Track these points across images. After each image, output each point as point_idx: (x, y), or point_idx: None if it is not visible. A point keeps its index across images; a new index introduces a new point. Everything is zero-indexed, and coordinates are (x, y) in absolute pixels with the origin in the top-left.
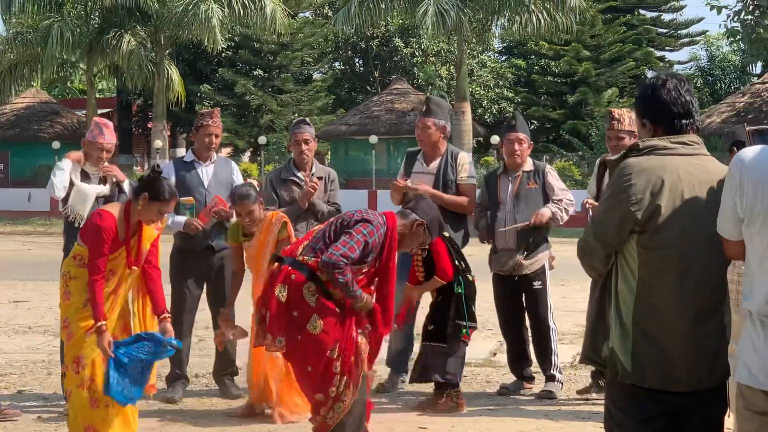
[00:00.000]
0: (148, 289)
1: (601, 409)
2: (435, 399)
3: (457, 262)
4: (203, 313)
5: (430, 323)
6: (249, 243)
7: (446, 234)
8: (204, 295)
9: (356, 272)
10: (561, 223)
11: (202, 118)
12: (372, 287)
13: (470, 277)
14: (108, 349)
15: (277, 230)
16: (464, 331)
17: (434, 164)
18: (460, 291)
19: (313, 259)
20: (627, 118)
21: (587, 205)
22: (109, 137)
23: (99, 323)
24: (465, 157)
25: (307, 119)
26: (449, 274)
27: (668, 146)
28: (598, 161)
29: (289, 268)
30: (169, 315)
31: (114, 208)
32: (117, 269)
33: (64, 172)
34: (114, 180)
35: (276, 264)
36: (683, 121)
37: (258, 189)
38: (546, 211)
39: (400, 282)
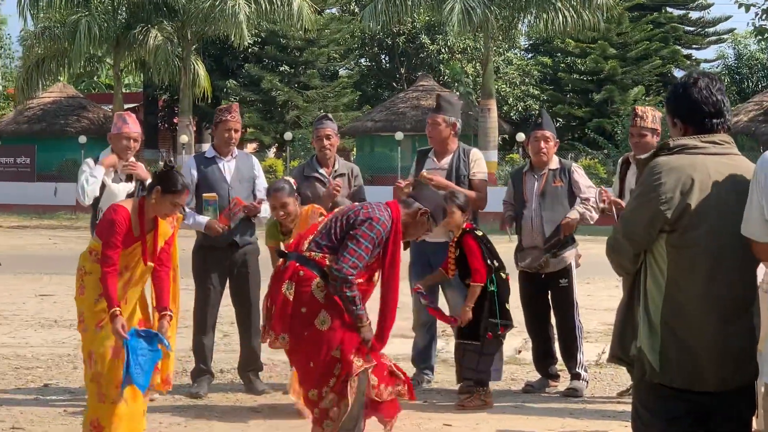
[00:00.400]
0: (154, 285)
1: (626, 408)
2: (465, 396)
3: (489, 261)
4: (227, 309)
5: None
6: (288, 240)
7: (479, 233)
8: (227, 291)
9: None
10: (591, 223)
11: (221, 113)
12: (374, 280)
13: (503, 275)
14: (121, 332)
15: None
16: (493, 329)
17: (446, 160)
18: (492, 289)
19: (320, 255)
20: (650, 115)
21: (603, 195)
22: (133, 126)
23: (112, 309)
24: (477, 153)
25: (330, 115)
26: (483, 275)
27: (699, 145)
28: (620, 159)
29: (297, 264)
30: (170, 313)
31: (128, 203)
32: (131, 265)
33: (97, 180)
34: (136, 178)
35: (281, 260)
36: (714, 121)
37: (293, 185)
38: (572, 219)
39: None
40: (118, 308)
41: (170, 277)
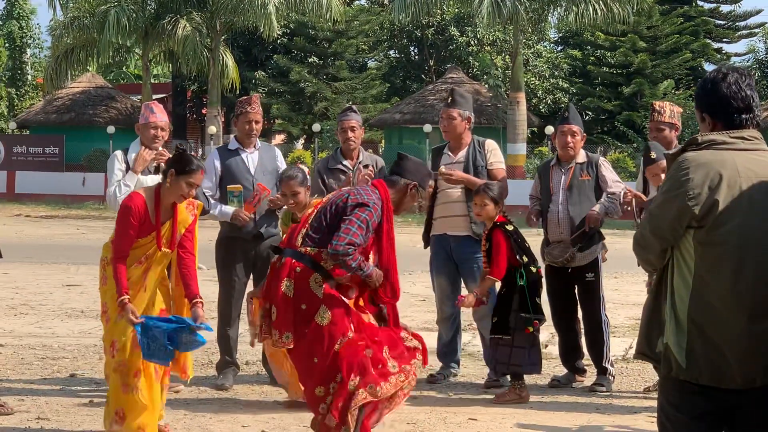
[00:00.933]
0: (181, 274)
1: (653, 403)
2: (504, 390)
3: (518, 257)
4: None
5: (494, 315)
6: None
7: (510, 227)
8: (251, 282)
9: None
10: (617, 217)
11: (242, 105)
12: (370, 261)
13: (534, 269)
14: (133, 318)
15: None
16: (527, 323)
17: (462, 153)
18: (522, 283)
19: (316, 249)
20: (668, 110)
21: (627, 197)
22: (160, 115)
23: (121, 297)
24: (492, 144)
25: (354, 106)
26: (501, 271)
27: (727, 141)
28: (642, 157)
29: (293, 260)
30: (201, 300)
31: (144, 191)
32: (150, 252)
33: (130, 189)
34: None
35: (277, 257)
36: (743, 116)
37: (307, 175)
38: (596, 214)
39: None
40: (126, 296)
41: (194, 267)
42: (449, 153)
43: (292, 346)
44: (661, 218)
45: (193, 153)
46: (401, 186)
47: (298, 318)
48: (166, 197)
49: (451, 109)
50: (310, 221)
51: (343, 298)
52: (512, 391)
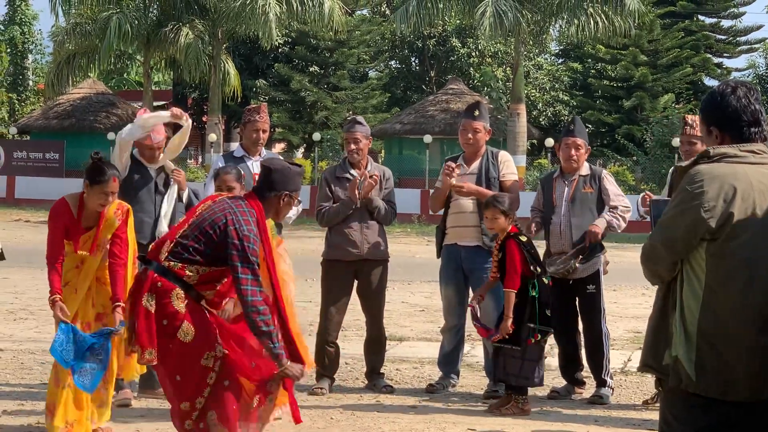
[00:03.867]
0: (109, 278)
1: (652, 415)
2: (503, 401)
3: (532, 267)
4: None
5: None
6: None
7: (523, 238)
8: None
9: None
10: (619, 231)
11: (250, 113)
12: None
13: (546, 281)
14: (61, 316)
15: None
16: (531, 334)
17: (475, 165)
18: (533, 294)
19: (180, 265)
20: (699, 123)
21: (646, 201)
22: (156, 137)
23: (52, 296)
24: (505, 155)
25: (360, 118)
26: (516, 282)
27: (739, 154)
28: (671, 169)
29: (155, 275)
30: (123, 305)
31: (70, 198)
32: (84, 255)
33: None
34: (173, 182)
35: (143, 267)
36: (752, 130)
37: (242, 176)
38: (598, 227)
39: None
40: (58, 296)
41: (123, 272)
42: (463, 164)
43: (155, 363)
44: (674, 230)
45: (193, 161)
46: (273, 198)
47: (159, 333)
48: (88, 204)
49: (476, 121)
50: (179, 235)
51: (207, 310)
52: (515, 405)
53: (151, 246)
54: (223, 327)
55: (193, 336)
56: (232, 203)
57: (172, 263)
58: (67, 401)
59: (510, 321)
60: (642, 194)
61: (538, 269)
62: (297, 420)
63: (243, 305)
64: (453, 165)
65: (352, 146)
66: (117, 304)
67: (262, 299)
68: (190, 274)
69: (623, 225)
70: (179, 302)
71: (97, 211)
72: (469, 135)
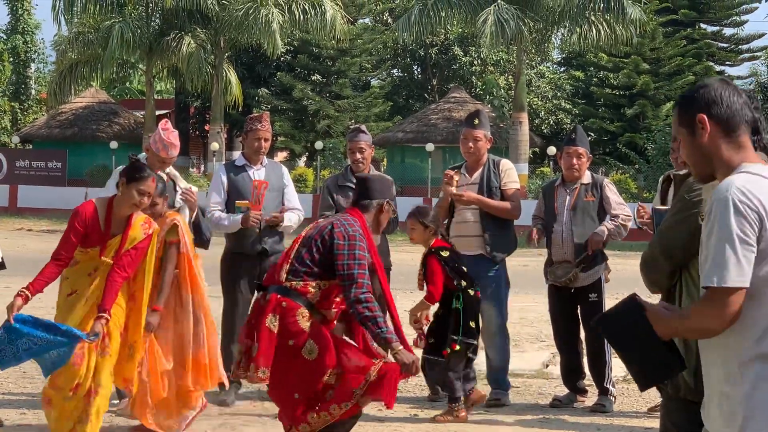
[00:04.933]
0: (105, 285)
1: (654, 423)
2: (439, 412)
3: (456, 282)
4: None
5: (430, 337)
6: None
7: (445, 253)
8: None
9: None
10: (620, 239)
11: (252, 122)
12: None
13: (472, 292)
14: (9, 312)
15: (165, 232)
16: (448, 344)
17: (477, 174)
18: (458, 306)
19: (302, 283)
20: None
21: (641, 211)
22: (172, 152)
23: (21, 288)
24: (507, 164)
25: (364, 127)
26: (436, 296)
27: None
28: (661, 178)
29: (278, 296)
30: (107, 316)
31: (98, 201)
32: (98, 263)
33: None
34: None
35: (261, 294)
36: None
37: (167, 186)
38: (599, 236)
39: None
40: (25, 291)
41: (120, 284)
42: (465, 173)
43: (269, 381)
44: (673, 239)
45: (195, 170)
46: (375, 208)
47: (283, 353)
48: (118, 208)
49: (476, 130)
50: (293, 256)
51: (329, 333)
52: (449, 411)
53: (266, 274)
54: (338, 340)
55: (317, 353)
56: (338, 216)
57: (294, 282)
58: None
59: (413, 318)
60: (638, 205)
61: (463, 283)
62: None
63: (345, 298)
64: (452, 173)
65: (358, 155)
66: (102, 315)
67: (366, 290)
68: (313, 290)
69: (624, 233)
70: (304, 321)
71: (125, 217)
72: (470, 144)
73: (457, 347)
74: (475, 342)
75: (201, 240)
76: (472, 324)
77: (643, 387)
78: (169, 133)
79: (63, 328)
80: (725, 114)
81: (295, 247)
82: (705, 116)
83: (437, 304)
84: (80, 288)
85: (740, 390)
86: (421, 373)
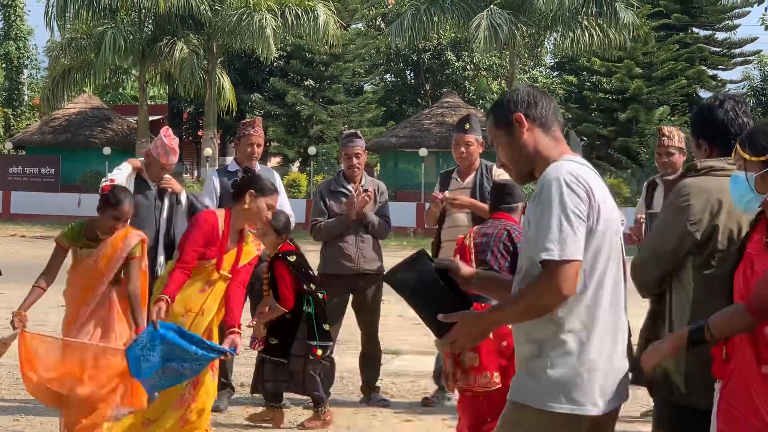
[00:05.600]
0: (225, 300)
1: (646, 428)
2: (262, 414)
3: (305, 287)
4: (246, 322)
5: (273, 337)
6: (92, 248)
7: (292, 258)
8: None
9: None
10: None
11: (244, 127)
12: None
13: (320, 296)
14: (154, 318)
15: (131, 247)
16: (310, 349)
17: (469, 179)
18: (309, 311)
19: None
20: (676, 134)
21: (641, 220)
22: (173, 158)
23: (161, 294)
24: (499, 169)
25: (358, 132)
26: (290, 302)
27: (726, 167)
28: (646, 183)
29: (482, 304)
30: (239, 331)
31: (217, 212)
32: (211, 278)
33: (122, 173)
34: (170, 191)
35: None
36: None
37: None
38: None
39: None
40: (166, 297)
41: (243, 299)
42: (457, 178)
43: (500, 386)
44: (662, 244)
45: (188, 175)
46: (519, 210)
47: (500, 355)
48: (237, 221)
49: (468, 134)
50: (475, 266)
51: None
52: (317, 416)
53: None
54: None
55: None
56: (500, 222)
57: None
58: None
59: (260, 324)
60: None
61: (312, 286)
62: None
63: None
64: (438, 195)
65: (354, 161)
66: (234, 329)
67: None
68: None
69: None
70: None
71: (239, 231)
72: (462, 149)
73: (319, 352)
74: (332, 344)
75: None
76: (326, 327)
77: (438, 335)
78: (170, 139)
79: (208, 343)
80: (540, 112)
81: (472, 259)
82: (522, 115)
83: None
84: (194, 306)
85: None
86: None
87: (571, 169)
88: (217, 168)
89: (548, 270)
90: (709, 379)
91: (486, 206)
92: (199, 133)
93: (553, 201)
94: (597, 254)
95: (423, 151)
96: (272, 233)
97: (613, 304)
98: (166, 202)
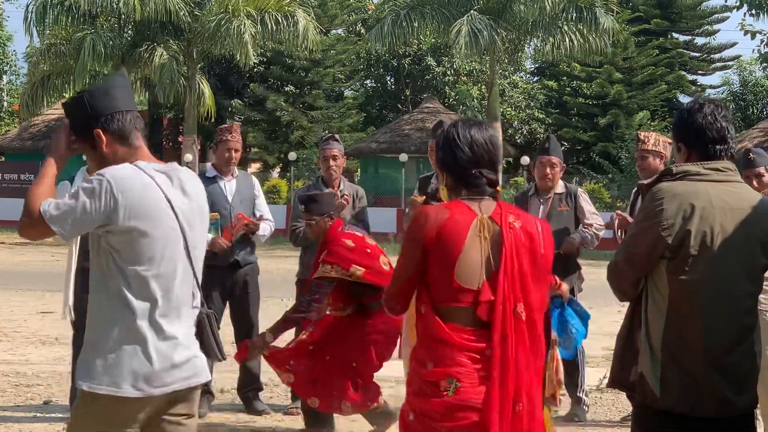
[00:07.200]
0: None
1: None
2: None
3: None
4: (228, 329)
5: None
6: None
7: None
8: (227, 311)
9: None
10: (592, 248)
11: (222, 133)
12: None
13: None
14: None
15: None
16: None
17: None
18: None
19: None
20: (653, 139)
21: (616, 218)
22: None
23: None
24: None
25: (337, 136)
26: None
27: (701, 172)
28: (634, 190)
29: None
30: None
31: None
32: None
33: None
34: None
35: None
36: (718, 147)
37: None
38: (574, 241)
39: None
40: None
41: None
42: (436, 182)
43: None
44: (636, 248)
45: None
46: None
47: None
48: None
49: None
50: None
51: None
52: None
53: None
54: None
55: None
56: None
57: None
58: None
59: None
60: (614, 213)
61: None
62: None
63: None
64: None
65: (331, 163)
66: None
67: None
68: None
69: (596, 242)
70: None
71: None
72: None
73: None
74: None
75: None
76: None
77: None
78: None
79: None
80: (116, 126)
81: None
82: (100, 131)
83: None
84: None
85: None
86: (393, 387)
87: (112, 173)
88: (197, 174)
89: None
90: (683, 382)
91: None
92: (180, 139)
93: None
94: None
95: (403, 157)
96: None
97: None
98: None
